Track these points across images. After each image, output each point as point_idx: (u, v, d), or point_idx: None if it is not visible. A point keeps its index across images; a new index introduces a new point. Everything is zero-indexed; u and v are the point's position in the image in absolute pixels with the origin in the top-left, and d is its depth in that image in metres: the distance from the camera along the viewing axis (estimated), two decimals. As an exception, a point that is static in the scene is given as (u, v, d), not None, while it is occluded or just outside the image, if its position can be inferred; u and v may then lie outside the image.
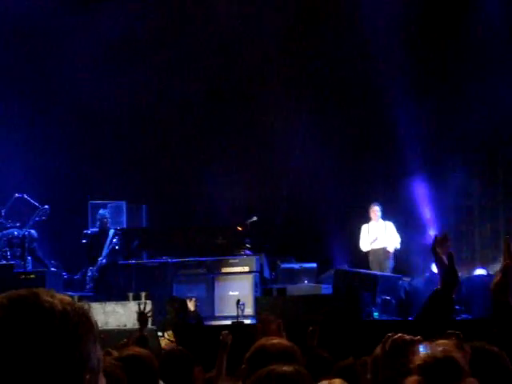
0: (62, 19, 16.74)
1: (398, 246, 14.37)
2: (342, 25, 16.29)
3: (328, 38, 16.45)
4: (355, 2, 16.18)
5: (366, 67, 16.15)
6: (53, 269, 14.67)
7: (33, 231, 14.87)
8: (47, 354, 1.53)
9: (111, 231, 14.69)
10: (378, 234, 14.35)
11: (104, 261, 14.43)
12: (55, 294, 1.60)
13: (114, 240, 14.57)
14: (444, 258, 3.67)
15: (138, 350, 4.40)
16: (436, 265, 3.73)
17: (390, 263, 14.26)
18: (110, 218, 15.16)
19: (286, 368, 2.94)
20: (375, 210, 14.46)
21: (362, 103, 16.49)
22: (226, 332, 6.53)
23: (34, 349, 1.52)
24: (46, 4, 16.67)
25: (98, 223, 14.92)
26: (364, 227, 14.52)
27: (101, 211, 15.15)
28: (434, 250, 3.64)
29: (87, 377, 1.57)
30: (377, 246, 14.30)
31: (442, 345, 3.05)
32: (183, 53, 17.09)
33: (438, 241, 3.69)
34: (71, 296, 1.65)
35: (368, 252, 14.40)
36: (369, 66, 16.10)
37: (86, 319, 1.61)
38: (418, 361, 2.83)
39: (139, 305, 7.38)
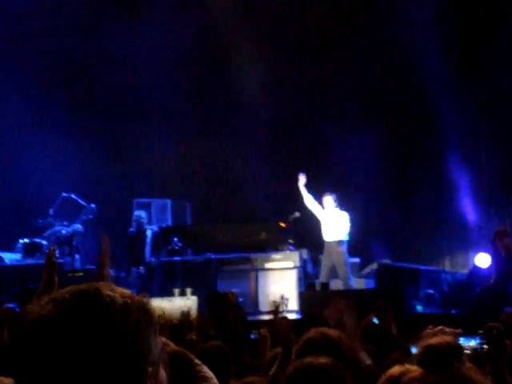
0: (108, 25, 16.94)
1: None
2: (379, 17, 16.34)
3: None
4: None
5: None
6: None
7: (80, 229, 15.13)
8: (109, 348, 1.54)
9: (149, 231, 14.81)
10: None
11: (147, 259, 14.60)
12: (115, 287, 1.63)
13: (156, 238, 14.70)
14: (502, 251, 3.66)
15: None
16: (493, 258, 3.77)
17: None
18: (146, 218, 15.24)
19: (322, 360, 3.00)
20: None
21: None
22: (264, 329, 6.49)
23: (96, 343, 1.53)
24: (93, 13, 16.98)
25: (134, 224, 14.96)
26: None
27: (136, 212, 15.22)
28: (495, 243, 3.61)
29: (149, 369, 1.58)
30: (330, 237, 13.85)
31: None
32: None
33: (499, 234, 3.69)
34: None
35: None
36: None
37: (147, 312, 1.62)
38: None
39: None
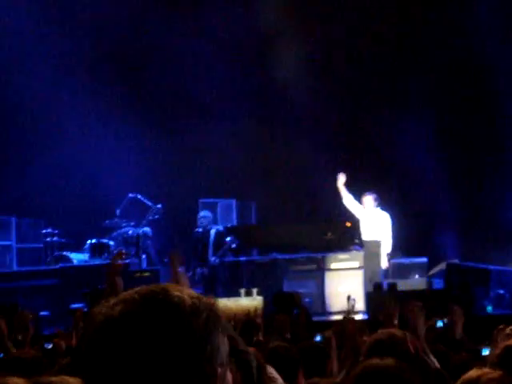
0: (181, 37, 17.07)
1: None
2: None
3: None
4: None
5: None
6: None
7: (147, 229, 15.24)
8: (179, 348, 1.53)
9: (212, 230, 14.81)
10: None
11: (212, 258, 14.62)
12: (183, 289, 1.61)
13: (219, 238, 14.71)
14: None
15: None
16: None
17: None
18: (212, 218, 15.28)
19: (388, 362, 2.92)
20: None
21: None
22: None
23: (166, 343, 1.53)
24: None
25: (200, 224, 14.97)
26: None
27: (200, 213, 15.25)
28: None
29: (219, 370, 1.58)
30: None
31: None
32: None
33: None
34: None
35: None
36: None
37: (215, 313, 1.61)
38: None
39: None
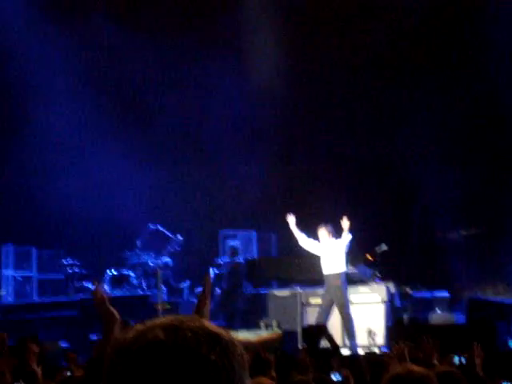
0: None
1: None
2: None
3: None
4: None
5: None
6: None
7: (167, 260, 15.24)
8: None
9: (241, 261, 14.83)
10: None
11: (235, 289, 14.58)
12: (203, 321, 1.57)
13: (242, 269, 14.69)
14: None
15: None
16: None
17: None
18: (241, 248, 15.34)
19: (418, 369, 2.86)
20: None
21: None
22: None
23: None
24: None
25: (229, 253, 15.00)
26: None
27: (231, 242, 15.29)
28: None
29: None
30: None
31: None
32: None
33: None
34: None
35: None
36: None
37: (241, 350, 1.56)
38: None
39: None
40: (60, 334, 14.37)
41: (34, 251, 16.54)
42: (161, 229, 15.46)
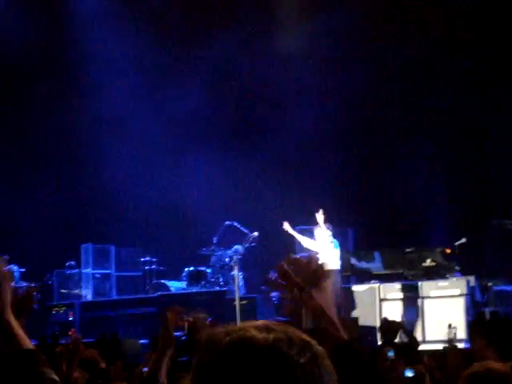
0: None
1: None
2: None
3: None
4: None
5: None
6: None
7: (243, 256, 15.25)
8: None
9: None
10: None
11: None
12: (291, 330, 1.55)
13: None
14: None
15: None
16: None
17: None
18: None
19: (497, 366, 2.80)
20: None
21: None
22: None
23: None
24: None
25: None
26: None
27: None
28: None
29: None
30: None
31: None
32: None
33: None
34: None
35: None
36: None
37: (330, 364, 1.56)
38: None
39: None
40: (139, 331, 14.53)
41: (112, 249, 16.75)
42: (237, 225, 15.46)
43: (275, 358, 1.48)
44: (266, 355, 1.48)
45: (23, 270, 16.08)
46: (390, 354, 6.23)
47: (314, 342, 1.55)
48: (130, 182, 17.95)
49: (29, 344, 2.41)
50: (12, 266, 15.81)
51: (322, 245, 13.79)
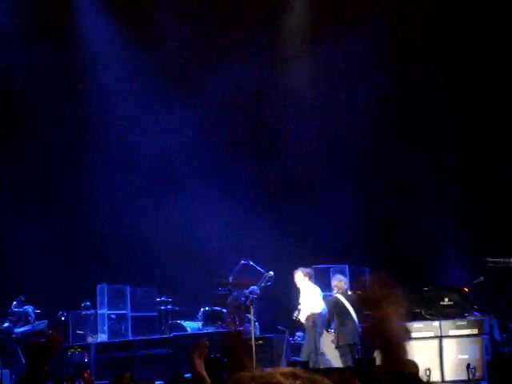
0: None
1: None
2: None
3: None
4: None
5: None
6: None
7: (258, 296, 15.16)
8: None
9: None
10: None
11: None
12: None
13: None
14: None
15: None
16: None
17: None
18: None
19: None
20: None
21: None
22: None
23: None
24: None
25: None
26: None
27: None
28: None
29: None
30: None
31: None
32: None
33: None
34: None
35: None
36: None
37: None
38: None
39: None
40: (155, 372, 14.43)
41: (127, 289, 16.72)
42: (253, 264, 15.41)
43: None
44: None
45: (38, 310, 16.06)
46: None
47: None
48: (145, 221, 17.96)
49: None
50: (28, 307, 15.80)
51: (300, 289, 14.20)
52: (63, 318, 16.14)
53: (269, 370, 1.54)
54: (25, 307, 15.91)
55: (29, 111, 18.29)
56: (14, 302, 16.00)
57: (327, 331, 14.16)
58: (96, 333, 16.35)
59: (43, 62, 17.84)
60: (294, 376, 1.50)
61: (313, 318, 13.89)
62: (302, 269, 14.26)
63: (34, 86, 18.00)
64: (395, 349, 2.38)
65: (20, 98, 18.20)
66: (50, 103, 18.12)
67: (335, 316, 14.10)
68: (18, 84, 18.10)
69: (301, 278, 14.20)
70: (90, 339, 16.13)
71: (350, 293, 14.26)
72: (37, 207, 18.51)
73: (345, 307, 14.00)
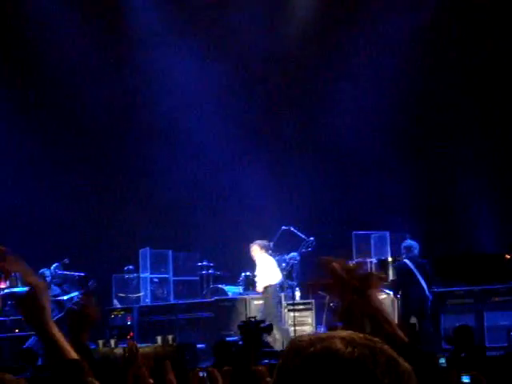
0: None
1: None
2: None
3: None
4: None
5: None
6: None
7: (298, 261, 15.25)
8: None
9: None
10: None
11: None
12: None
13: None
14: None
15: None
16: None
17: None
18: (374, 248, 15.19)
19: None
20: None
21: None
22: None
23: None
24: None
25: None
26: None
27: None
28: None
29: None
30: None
31: None
32: None
33: None
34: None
35: None
36: None
37: None
38: None
39: None
40: (196, 336, 14.61)
41: (170, 254, 16.89)
42: (293, 230, 15.46)
43: (359, 375, 1.44)
44: (349, 370, 1.45)
45: (82, 274, 16.28)
46: (442, 361, 6.17)
47: (401, 361, 1.50)
48: (188, 187, 18.08)
49: (73, 354, 2.46)
50: (44, 269, 15.74)
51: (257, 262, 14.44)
52: (94, 285, 16.18)
53: (327, 333, 1.52)
54: (41, 270, 15.71)
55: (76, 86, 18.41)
56: (56, 264, 16.04)
57: (395, 297, 13.91)
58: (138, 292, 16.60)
59: (94, 34, 17.99)
60: (353, 342, 1.48)
61: (270, 288, 14.10)
62: (258, 242, 14.38)
63: (85, 57, 18.16)
64: (382, 320, 2.38)
65: (70, 68, 18.31)
66: (98, 78, 18.25)
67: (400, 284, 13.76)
68: (70, 53, 18.24)
69: (257, 250, 14.34)
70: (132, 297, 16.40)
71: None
72: (83, 174, 18.72)
73: (411, 274, 13.54)
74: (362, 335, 1.51)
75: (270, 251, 14.49)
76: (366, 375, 1.44)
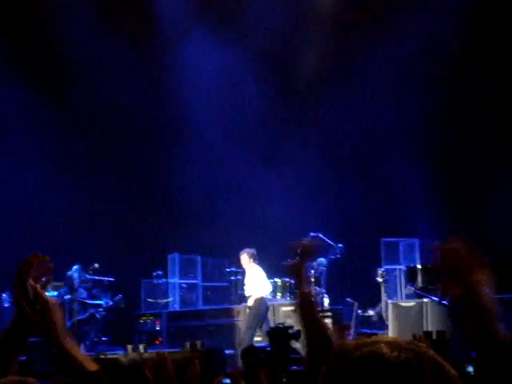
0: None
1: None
2: None
3: None
4: None
5: None
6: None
7: (326, 264, 15.23)
8: None
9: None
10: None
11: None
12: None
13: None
14: None
15: None
16: None
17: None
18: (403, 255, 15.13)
19: None
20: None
21: None
22: None
23: None
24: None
25: None
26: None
27: None
28: None
29: None
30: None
31: None
32: None
33: None
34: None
35: None
36: None
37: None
38: None
39: None
40: (225, 341, 14.64)
41: (198, 259, 16.94)
42: (322, 237, 15.45)
43: (405, 379, 1.44)
44: (395, 374, 1.44)
45: (112, 279, 16.36)
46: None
47: (449, 366, 1.50)
48: (216, 193, 18.14)
49: (91, 366, 2.47)
50: (73, 272, 15.70)
51: (246, 271, 14.53)
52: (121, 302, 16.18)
53: (372, 338, 1.52)
54: (94, 276, 15.87)
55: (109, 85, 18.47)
56: (76, 266, 15.88)
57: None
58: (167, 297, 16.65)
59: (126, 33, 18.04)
60: (399, 347, 1.48)
61: (259, 302, 14.07)
62: (247, 250, 14.32)
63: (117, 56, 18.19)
64: (490, 316, 2.33)
65: (103, 66, 18.31)
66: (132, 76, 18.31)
67: None
68: (104, 53, 18.24)
69: (246, 259, 14.28)
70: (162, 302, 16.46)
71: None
72: (112, 179, 18.79)
73: None
74: (408, 340, 1.52)
75: (257, 261, 14.39)
76: (413, 379, 1.44)
